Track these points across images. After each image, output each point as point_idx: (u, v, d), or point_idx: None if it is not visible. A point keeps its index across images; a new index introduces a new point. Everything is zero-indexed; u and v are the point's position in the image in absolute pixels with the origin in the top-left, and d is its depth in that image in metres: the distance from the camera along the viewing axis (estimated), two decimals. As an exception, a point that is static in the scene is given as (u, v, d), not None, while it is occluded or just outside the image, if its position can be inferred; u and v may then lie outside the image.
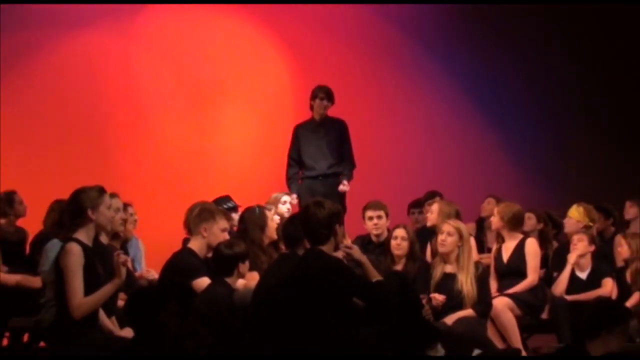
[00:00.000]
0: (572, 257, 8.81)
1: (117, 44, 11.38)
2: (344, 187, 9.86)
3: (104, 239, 7.46)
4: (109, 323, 6.97)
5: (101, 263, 6.90)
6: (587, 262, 8.92)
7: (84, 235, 6.80)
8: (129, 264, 8.02)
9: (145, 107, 11.43)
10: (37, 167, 10.41)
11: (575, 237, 8.93)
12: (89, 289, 6.61)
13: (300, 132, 10.16)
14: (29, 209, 9.13)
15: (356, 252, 7.23)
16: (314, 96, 10.09)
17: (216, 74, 11.61)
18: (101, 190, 6.92)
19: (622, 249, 9.06)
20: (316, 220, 7.06)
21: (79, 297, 6.62)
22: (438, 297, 8.04)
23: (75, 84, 11.16)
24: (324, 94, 10.06)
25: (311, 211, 7.19)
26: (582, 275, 8.91)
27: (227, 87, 11.66)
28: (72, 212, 6.91)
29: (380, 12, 12.02)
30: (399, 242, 8.63)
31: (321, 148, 10.08)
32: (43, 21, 11.13)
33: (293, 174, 10.12)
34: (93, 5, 11.19)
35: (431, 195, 9.79)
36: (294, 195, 9.82)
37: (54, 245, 7.38)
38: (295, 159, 10.12)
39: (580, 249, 8.86)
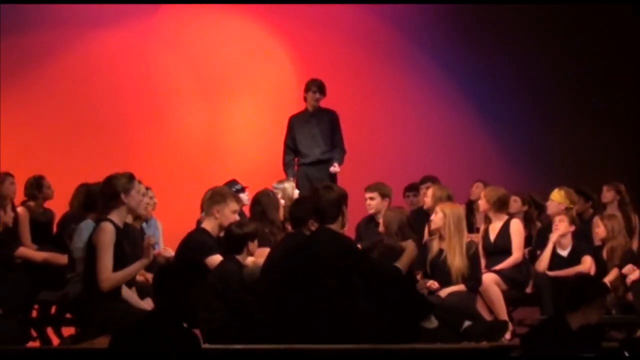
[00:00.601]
0: (554, 237, 8.88)
1: (137, 42, 11.38)
2: (334, 168, 9.98)
3: (127, 219, 7.52)
4: (130, 294, 7.03)
5: (127, 242, 7.00)
6: (568, 241, 8.98)
7: (117, 216, 6.90)
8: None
9: (162, 100, 11.42)
10: (63, 154, 10.42)
11: (557, 218, 9.01)
12: (116, 266, 6.69)
13: (294, 122, 10.23)
14: (55, 192, 9.14)
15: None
16: (307, 89, 10.18)
17: (226, 70, 11.60)
18: (132, 177, 7.02)
19: (600, 230, 9.09)
20: (327, 201, 7.20)
21: (108, 272, 6.70)
22: (433, 285, 8.13)
23: (98, 78, 11.15)
24: (316, 87, 10.14)
25: (322, 193, 7.33)
26: (563, 253, 8.97)
27: (236, 82, 11.64)
28: (106, 195, 7.00)
29: (376, 12, 11.96)
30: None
31: (314, 137, 10.15)
32: (68, 21, 11.11)
33: (289, 160, 10.18)
34: (114, 6, 11.18)
35: (426, 180, 9.81)
36: (291, 180, 9.75)
37: (87, 225, 7.42)
38: (291, 147, 10.19)
39: (561, 229, 8.93)
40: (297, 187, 9.60)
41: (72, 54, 11.15)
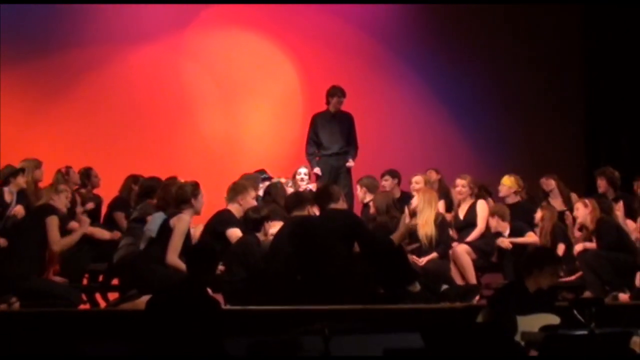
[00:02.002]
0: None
1: (168, 56, 11.36)
2: (349, 163, 10.05)
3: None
4: (178, 262, 7.05)
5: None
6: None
7: (188, 214, 7.21)
8: None
9: (189, 104, 11.41)
10: (108, 150, 10.41)
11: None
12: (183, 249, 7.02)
13: (318, 120, 10.21)
14: (102, 181, 9.24)
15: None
16: (332, 94, 10.12)
17: (244, 78, 11.60)
18: (197, 185, 7.40)
19: (536, 215, 9.15)
20: (326, 195, 7.50)
21: (176, 254, 6.98)
22: (417, 261, 8.18)
23: (136, 87, 11.16)
24: (340, 93, 10.11)
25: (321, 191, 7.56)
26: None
27: (251, 89, 11.61)
28: (179, 199, 7.37)
29: (365, 29, 11.90)
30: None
31: (335, 134, 10.15)
32: (109, 38, 11.06)
33: (312, 151, 10.18)
34: (149, 24, 11.17)
35: (385, 173, 9.65)
36: (317, 169, 9.91)
37: (160, 216, 7.45)
38: (315, 140, 10.19)
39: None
40: (322, 172, 9.84)
41: (113, 67, 11.12)
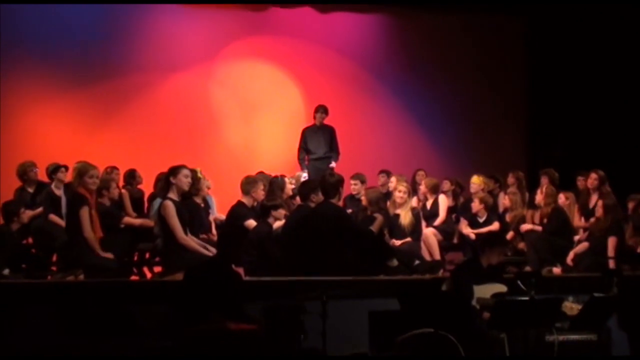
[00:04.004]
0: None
1: (199, 81, 11.29)
2: (332, 165, 10.06)
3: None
4: (199, 246, 6.99)
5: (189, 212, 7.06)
6: (484, 212, 9.00)
7: (173, 194, 6.91)
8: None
9: (216, 119, 11.36)
10: (151, 156, 10.29)
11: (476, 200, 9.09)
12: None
13: (307, 132, 10.34)
14: (144, 179, 9.25)
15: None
16: (317, 111, 10.31)
17: (260, 99, 11.54)
18: (177, 167, 6.99)
19: (505, 202, 9.16)
20: (330, 183, 7.29)
21: (180, 233, 6.74)
22: (396, 242, 8.20)
23: (173, 106, 11.11)
24: (322, 110, 10.29)
25: (327, 178, 7.42)
26: (481, 220, 9.00)
27: (266, 107, 11.55)
28: (162, 181, 7.22)
29: (356, 57, 11.78)
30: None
31: (320, 142, 10.24)
32: (152, 66, 10.97)
33: (302, 157, 10.26)
34: (184, 55, 11.05)
35: (355, 176, 9.50)
36: (306, 173, 9.90)
37: (157, 202, 7.40)
38: (304, 148, 10.26)
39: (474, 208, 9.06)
40: (309, 174, 9.72)
41: (155, 89, 11.05)
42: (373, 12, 11.92)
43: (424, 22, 11.92)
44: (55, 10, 10.49)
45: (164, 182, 7.07)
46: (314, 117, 10.35)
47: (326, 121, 10.40)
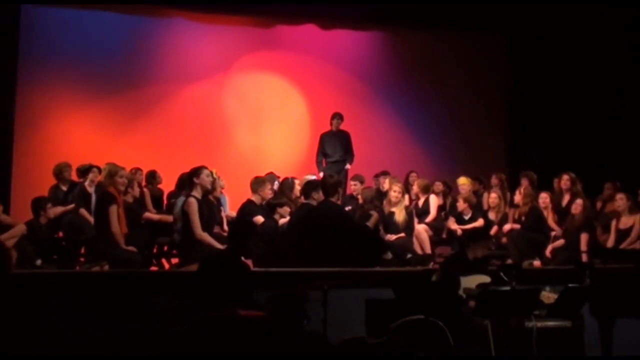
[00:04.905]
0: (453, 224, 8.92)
1: (213, 91, 11.28)
2: (347, 167, 10.05)
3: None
4: (212, 240, 7.02)
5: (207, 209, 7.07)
6: (469, 210, 8.98)
7: (197, 193, 6.89)
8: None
9: (228, 126, 11.32)
10: (169, 158, 10.29)
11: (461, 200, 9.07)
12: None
13: (324, 137, 10.27)
14: (164, 179, 9.25)
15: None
16: (333, 118, 10.24)
17: (268, 107, 11.51)
18: (200, 167, 7.03)
19: (490, 200, 9.14)
20: (329, 184, 7.29)
21: (199, 229, 6.73)
22: (390, 237, 8.19)
23: (190, 114, 11.08)
24: (339, 117, 10.23)
25: (327, 179, 7.42)
26: (467, 217, 8.97)
27: (274, 114, 11.53)
28: (186, 181, 7.15)
29: (355, 70, 11.76)
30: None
31: (336, 146, 10.17)
32: (170, 78, 10.95)
33: (320, 159, 10.19)
34: (198, 66, 11.03)
35: (354, 177, 9.58)
36: (322, 173, 9.79)
37: (181, 199, 7.40)
38: (322, 151, 10.19)
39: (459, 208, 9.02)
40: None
41: (173, 99, 11.03)
42: (370, 29, 11.95)
43: (415, 38, 11.94)
44: (88, 30, 10.58)
45: (188, 181, 7.08)
46: (331, 124, 10.24)
47: (324, 125, 10.33)
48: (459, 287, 6.03)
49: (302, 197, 8.10)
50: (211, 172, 7.36)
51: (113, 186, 7.01)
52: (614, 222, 8.35)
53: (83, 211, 8.01)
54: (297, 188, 8.71)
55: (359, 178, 9.37)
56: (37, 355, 5.09)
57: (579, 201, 8.42)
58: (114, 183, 7.00)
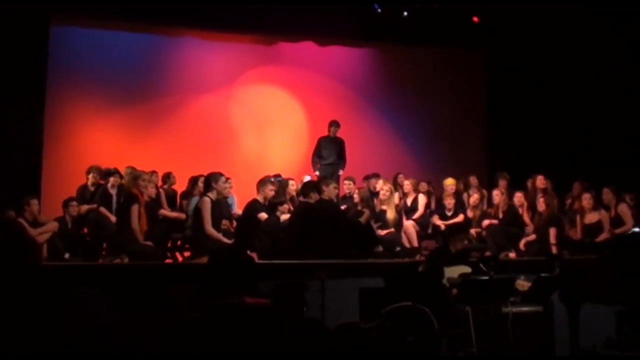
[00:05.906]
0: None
1: (221, 101, 11.21)
2: (340, 172, 9.94)
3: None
4: (219, 235, 7.01)
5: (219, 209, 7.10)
6: (452, 207, 8.98)
7: (213, 195, 7.02)
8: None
9: (234, 132, 11.25)
10: (183, 162, 10.24)
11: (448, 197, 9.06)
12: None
13: (321, 141, 10.17)
14: (177, 180, 9.19)
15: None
16: (331, 125, 10.15)
17: (271, 115, 11.44)
18: (218, 174, 7.18)
19: (471, 199, 9.13)
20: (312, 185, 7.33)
21: (209, 225, 6.80)
22: (381, 232, 8.16)
23: (200, 122, 10.99)
24: (336, 124, 10.15)
25: (322, 182, 7.43)
26: (449, 213, 8.96)
27: (275, 122, 11.46)
28: (204, 184, 7.21)
29: (349, 83, 11.71)
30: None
31: (332, 150, 10.07)
32: (180, 90, 10.87)
33: (316, 161, 10.10)
34: (207, 79, 10.95)
35: (347, 178, 9.55)
36: (317, 173, 9.78)
37: (195, 199, 7.41)
38: (318, 154, 10.11)
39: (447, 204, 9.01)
40: (319, 176, 9.61)
41: (183, 109, 10.95)
42: (363, 46, 11.91)
43: (404, 54, 11.90)
44: (110, 48, 10.54)
45: (205, 183, 7.21)
46: (328, 130, 10.15)
47: (321, 131, 10.28)
48: (443, 276, 6.04)
49: (301, 197, 8.09)
50: (227, 179, 7.39)
51: (136, 188, 7.09)
52: (578, 218, 8.38)
53: (103, 209, 8.01)
54: (292, 188, 8.65)
55: (352, 179, 9.37)
56: (63, 337, 5.08)
57: (542, 199, 8.44)
58: (136, 185, 7.08)
